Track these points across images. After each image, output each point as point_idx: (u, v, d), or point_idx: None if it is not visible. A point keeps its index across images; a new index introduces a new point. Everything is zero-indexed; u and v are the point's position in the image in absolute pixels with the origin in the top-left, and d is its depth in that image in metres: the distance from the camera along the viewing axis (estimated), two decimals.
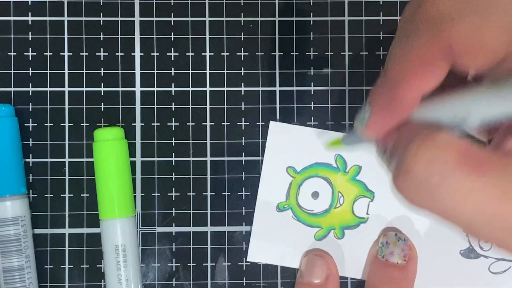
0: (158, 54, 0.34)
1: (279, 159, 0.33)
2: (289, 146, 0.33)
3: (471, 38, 0.18)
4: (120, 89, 0.34)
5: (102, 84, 0.34)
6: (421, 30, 0.19)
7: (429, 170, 0.17)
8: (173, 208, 0.34)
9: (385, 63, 0.20)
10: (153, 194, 0.34)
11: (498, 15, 0.17)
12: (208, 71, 0.34)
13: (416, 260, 0.32)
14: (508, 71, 0.18)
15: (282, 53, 0.34)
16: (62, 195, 0.34)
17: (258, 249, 0.33)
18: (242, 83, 0.34)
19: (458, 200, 0.17)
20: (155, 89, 0.34)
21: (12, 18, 0.34)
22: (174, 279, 0.34)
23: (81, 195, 0.34)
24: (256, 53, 0.34)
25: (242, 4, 0.34)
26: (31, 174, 0.34)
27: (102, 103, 0.34)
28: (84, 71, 0.34)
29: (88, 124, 0.34)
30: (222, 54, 0.34)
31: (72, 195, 0.34)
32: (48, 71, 0.34)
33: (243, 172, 0.34)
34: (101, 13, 0.34)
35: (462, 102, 0.18)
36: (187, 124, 0.34)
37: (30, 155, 0.34)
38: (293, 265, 0.33)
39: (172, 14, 0.34)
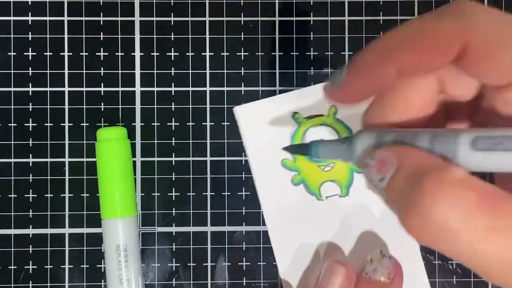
0: (158, 54, 0.34)
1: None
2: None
3: (492, 44, 0.16)
4: (120, 89, 0.34)
5: (102, 84, 0.34)
6: (446, 15, 0.17)
7: (449, 214, 0.16)
8: (173, 208, 0.34)
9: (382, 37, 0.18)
10: (153, 194, 0.34)
11: None
12: (208, 71, 0.34)
13: (402, 278, 0.31)
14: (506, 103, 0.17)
15: (282, 53, 0.34)
16: (62, 195, 0.34)
17: (250, 112, 0.33)
18: (242, 83, 0.34)
19: (478, 243, 0.16)
20: (155, 89, 0.34)
21: (12, 18, 0.34)
22: (174, 279, 0.34)
23: (81, 195, 0.34)
24: (256, 53, 0.34)
25: (242, 4, 0.34)
26: (31, 174, 0.34)
27: (102, 103, 0.34)
28: (84, 71, 0.34)
29: (88, 124, 0.34)
30: (222, 54, 0.34)
31: (72, 195, 0.34)
32: (48, 71, 0.34)
33: (243, 172, 0.34)
34: (101, 13, 0.34)
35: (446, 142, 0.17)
36: (187, 124, 0.34)
37: (30, 155, 0.34)
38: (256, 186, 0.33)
39: (172, 14, 0.34)
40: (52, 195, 0.34)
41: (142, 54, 0.34)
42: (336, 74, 0.19)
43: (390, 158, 0.18)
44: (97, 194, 0.33)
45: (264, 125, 0.33)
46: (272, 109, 0.33)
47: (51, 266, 0.34)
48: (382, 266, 0.30)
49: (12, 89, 0.34)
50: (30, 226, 0.34)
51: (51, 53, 0.34)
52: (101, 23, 0.34)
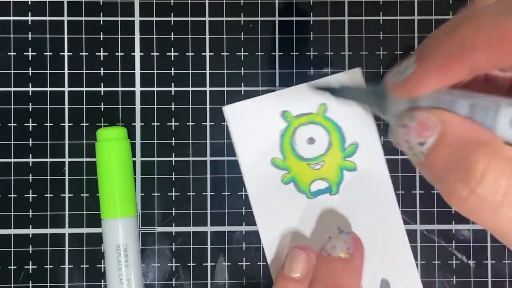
0: (158, 54, 0.34)
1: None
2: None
3: None
4: (120, 89, 0.34)
5: (102, 84, 0.34)
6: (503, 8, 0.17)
7: (496, 187, 0.16)
8: (173, 208, 0.34)
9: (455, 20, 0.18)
10: (153, 194, 0.34)
11: None
12: (208, 71, 0.34)
13: (362, 252, 0.31)
14: None
15: (282, 53, 0.34)
16: (62, 195, 0.34)
17: (239, 111, 0.33)
18: (242, 83, 0.34)
19: None
20: (155, 89, 0.34)
21: (12, 18, 0.34)
22: (174, 279, 0.34)
23: (81, 195, 0.34)
24: (256, 53, 0.34)
25: (242, 4, 0.34)
26: (31, 174, 0.34)
27: (102, 103, 0.34)
28: (84, 71, 0.34)
29: (88, 124, 0.34)
30: (222, 54, 0.34)
31: (72, 195, 0.34)
32: (48, 71, 0.34)
33: None
34: (101, 13, 0.34)
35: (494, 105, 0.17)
36: (187, 124, 0.34)
37: (30, 155, 0.34)
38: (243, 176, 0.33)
39: (172, 14, 0.34)
40: (52, 195, 0.34)
41: (142, 54, 0.34)
42: (401, 67, 0.19)
43: (432, 122, 0.18)
44: (97, 194, 0.33)
45: (254, 124, 0.33)
46: (262, 107, 0.33)
47: (51, 266, 0.34)
48: (341, 242, 0.30)
49: (12, 89, 0.34)
50: (30, 226, 0.34)
51: (51, 53, 0.34)
52: (101, 23, 0.34)
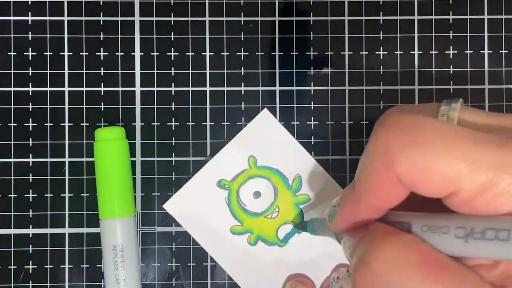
0: (158, 54, 0.34)
1: (246, 145, 0.33)
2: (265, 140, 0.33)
3: (416, 172, 0.17)
4: (120, 89, 0.34)
5: (102, 84, 0.34)
6: (375, 159, 0.19)
7: (386, 268, 0.17)
8: None
9: (356, 172, 0.21)
10: (153, 194, 0.34)
11: (443, 153, 0.17)
12: (208, 71, 0.34)
13: None
14: (460, 204, 0.17)
15: (282, 53, 0.34)
16: (62, 195, 0.34)
17: (179, 203, 0.33)
18: (242, 83, 0.34)
19: None
20: (155, 89, 0.34)
21: (12, 18, 0.34)
22: (174, 279, 0.34)
23: (81, 195, 0.34)
24: (256, 53, 0.34)
25: (242, 4, 0.34)
26: (31, 174, 0.34)
27: (102, 103, 0.34)
28: (84, 71, 0.34)
29: (88, 124, 0.34)
30: (222, 54, 0.34)
31: (72, 195, 0.34)
32: (48, 71, 0.34)
33: None
34: (101, 13, 0.34)
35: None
36: (187, 124, 0.34)
37: (30, 155, 0.34)
38: (200, 241, 0.33)
39: (172, 14, 0.34)
40: (52, 195, 0.34)
41: (142, 54, 0.34)
42: (331, 211, 0.24)
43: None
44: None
45: (198, 206, 0.33)
46: (197, 188, 0.33)
47: (51, 266, 0.34)
48: (348, 285, 0.31)
49: (12, 89, 0.34)
50: (30, 226, 0.34)
51: (51, 53, 0.34)
52: (101, 23, 0.34)
